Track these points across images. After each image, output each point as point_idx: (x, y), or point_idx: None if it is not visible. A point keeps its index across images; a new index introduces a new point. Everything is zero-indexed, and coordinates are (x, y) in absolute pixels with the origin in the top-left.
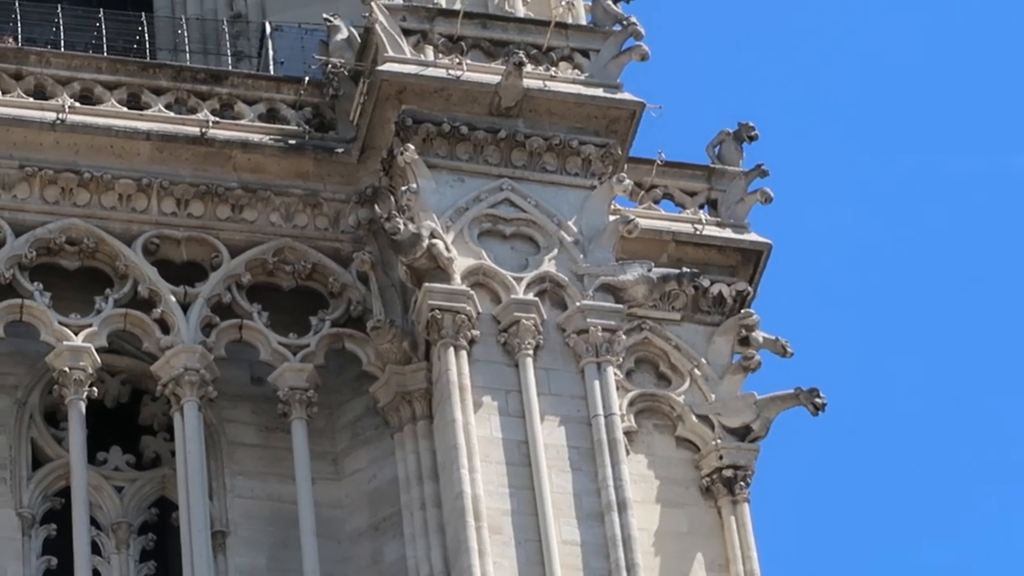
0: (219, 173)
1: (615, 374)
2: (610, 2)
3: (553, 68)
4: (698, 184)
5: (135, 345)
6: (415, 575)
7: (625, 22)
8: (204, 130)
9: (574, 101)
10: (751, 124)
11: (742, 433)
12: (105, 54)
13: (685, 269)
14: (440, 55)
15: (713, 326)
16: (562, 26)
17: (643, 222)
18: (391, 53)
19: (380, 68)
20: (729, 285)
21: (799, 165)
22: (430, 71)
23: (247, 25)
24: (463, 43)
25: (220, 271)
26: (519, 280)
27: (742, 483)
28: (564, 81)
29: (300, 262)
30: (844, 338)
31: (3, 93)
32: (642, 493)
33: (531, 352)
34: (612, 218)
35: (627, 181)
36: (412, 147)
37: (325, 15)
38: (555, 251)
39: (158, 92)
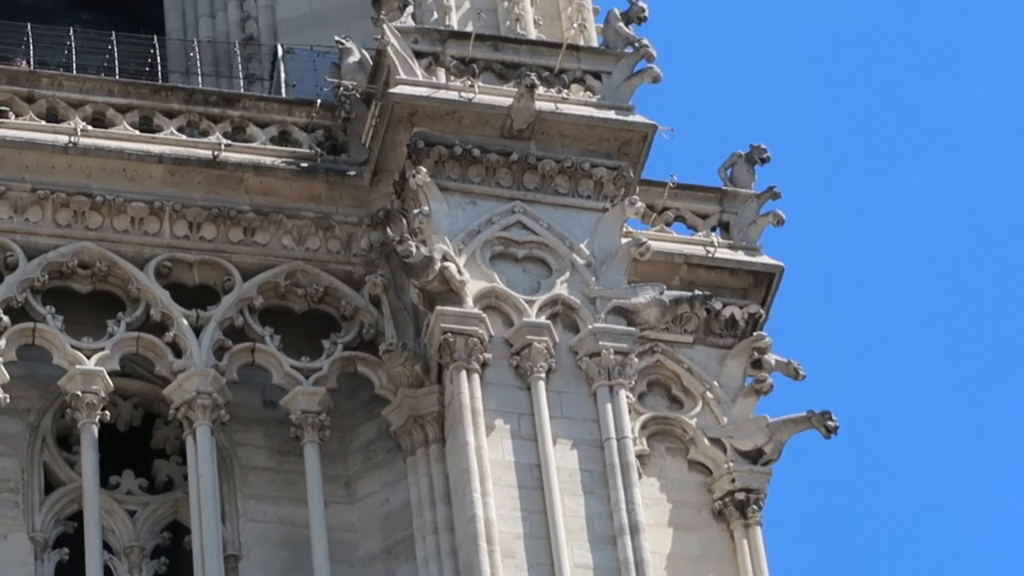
0: (231, 196)
1: (627, 397)
2: (622, 24)
3: (565, 90)
4: (710, 206)
5: (147, 369)
6: None
7: (637, 44)
8: (216, 153)
9: (586, 123)
10: (763, 146)
11: (754, 456)
12: (117, 77)
13: (697, 292)
14: (452, 77)
15: (725, 349)
16: (574, 48)
17: (655, 244)
18: (403, 75)
19: (392, 91)
20: (741, 308)
21: (811, 187)
22: (442, 93)
23: (259, 48)
24: (475, 65)
25: (232, 294)
26: (531, 303)
27: (754, 506)
28: (576, 103)
29: (312, 285)
30: (856, 361)
31: (15, 116)
32: (654, 516)
33: (543, 375)
34: (624, 240)
35: (639, 203)
36: (424, 170)
37: (337, 38)
38: (567, 274)
39: (170, 115)
